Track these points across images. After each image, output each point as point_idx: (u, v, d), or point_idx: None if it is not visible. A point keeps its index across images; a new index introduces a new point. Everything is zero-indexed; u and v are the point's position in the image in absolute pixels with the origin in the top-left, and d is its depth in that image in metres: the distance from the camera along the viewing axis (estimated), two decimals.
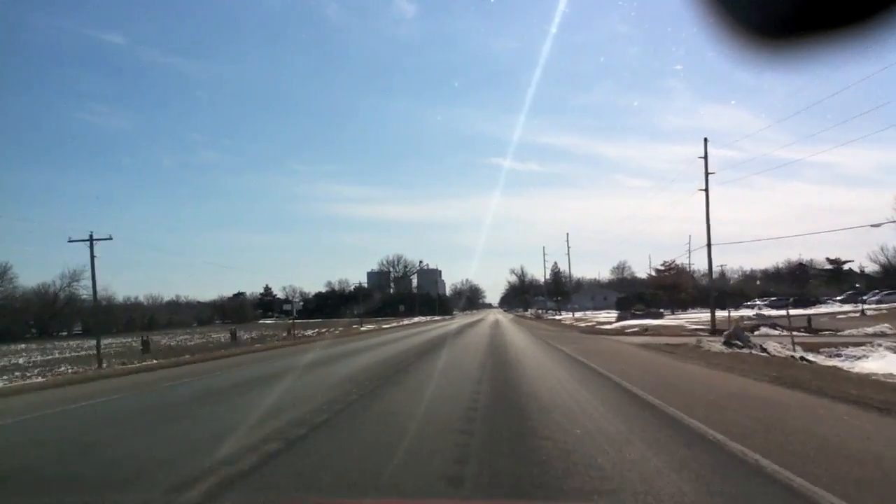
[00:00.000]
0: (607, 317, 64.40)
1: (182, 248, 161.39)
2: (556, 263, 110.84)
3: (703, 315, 51.92)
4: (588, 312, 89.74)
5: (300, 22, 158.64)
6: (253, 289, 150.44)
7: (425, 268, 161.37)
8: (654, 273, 64.26)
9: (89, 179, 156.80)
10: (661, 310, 51.80)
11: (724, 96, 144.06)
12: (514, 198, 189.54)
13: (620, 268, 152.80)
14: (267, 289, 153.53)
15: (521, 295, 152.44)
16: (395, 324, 65.80)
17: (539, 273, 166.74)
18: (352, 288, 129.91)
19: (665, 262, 62.64)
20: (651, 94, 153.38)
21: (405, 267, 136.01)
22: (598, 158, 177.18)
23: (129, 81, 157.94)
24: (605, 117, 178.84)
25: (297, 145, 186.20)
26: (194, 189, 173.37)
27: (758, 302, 67.26)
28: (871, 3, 2.00)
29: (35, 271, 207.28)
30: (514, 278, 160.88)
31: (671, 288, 63.51)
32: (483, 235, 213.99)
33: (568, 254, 79.25)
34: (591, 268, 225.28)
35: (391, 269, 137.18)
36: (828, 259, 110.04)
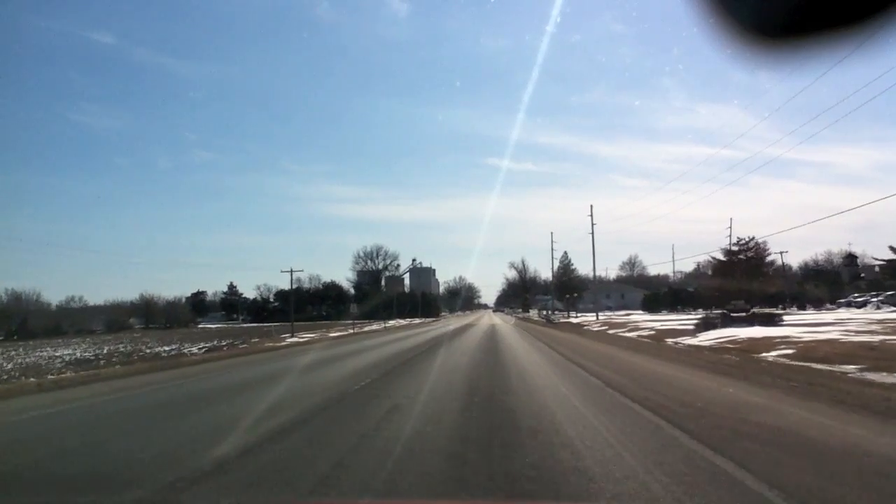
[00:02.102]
0: (652, 319, 45.14)
1: (169, 247, 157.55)
2: (565, 254, 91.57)
3: (822, 316, 32.65)
4: (609, 313, 70.64)
5: (292, 21, 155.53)
6: (245, 289, 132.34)
7: (418, 266, 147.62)
8: (720, 258, 45.09)
9: (81, 179, 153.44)
10: (755, 309, 32.33)
11: (720, 95, 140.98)
12: (510, 198, 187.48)
13: (631, 262, 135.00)
14: (231, 287, 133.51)
15: (521, 293, 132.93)
16: (350, 331, 46.59)
17: (542, 269, 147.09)
18: (321, 285, 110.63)
19: (739, 239, 43.84)
20: (647, 93, 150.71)
21: (386, 261, 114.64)
22: (594, 158, 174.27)
23: (119, 81, 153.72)
24: (601, 117, 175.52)
25: (291, 145, 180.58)
26: (187, 189, 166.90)
27: (870, 298, 48.13)
28: (868, 4, 2.02)
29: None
30: (513, 274, 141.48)
31: (738, 280, 44.56)
32: (479, 236, 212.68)
33: (592, 232, 60.17)
34: (589, 267, 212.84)
35: (370, 263, 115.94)
36: (892, 248, 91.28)
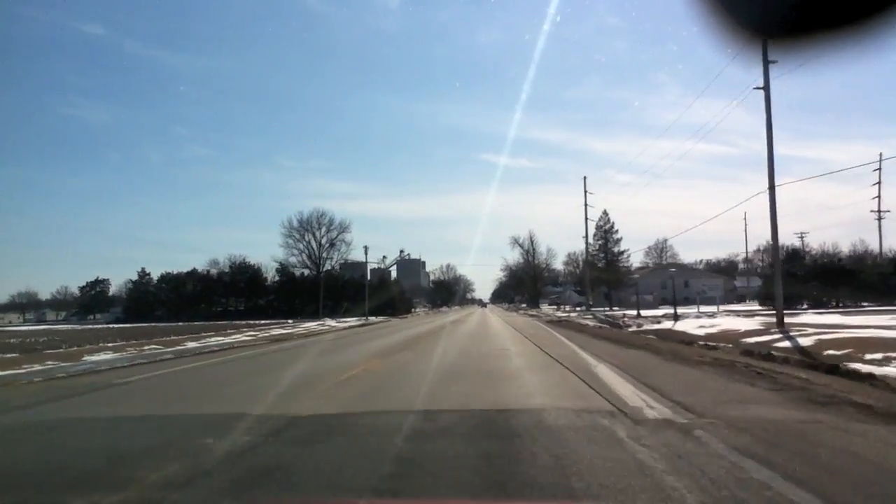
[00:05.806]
0: None
1: (163, 243, 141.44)
2: (605, 214, 58.03)
3: None
4: (711, 309, 37.52)
5: (285, 14, 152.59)
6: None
7: (406, 258, 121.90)
8: None
9: (72, 174, 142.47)
10: None
11: (715, 91, 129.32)
12: (506, 194, 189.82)
13: (658, 248, 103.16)
14: (143, 275, 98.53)
15: (529, 282, 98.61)
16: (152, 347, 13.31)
17: (552, 253, 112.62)
18: (228, 268, 76.56)
19: None
20: (643, 88, 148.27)
21: (331, 233, 76.53)
22: (588, 154, 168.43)
23: (110, 74, 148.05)
24: (595, 112, 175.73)
25: (286, 140, 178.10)
26: (180, 185, 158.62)
27: None
28: (867, 4, 2.00)
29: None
30: (514, 257, 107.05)
31: None
32: (475, 231, 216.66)
33: (767, 114, 26.26)
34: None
35: (307, 235, 78.42)
36: None
